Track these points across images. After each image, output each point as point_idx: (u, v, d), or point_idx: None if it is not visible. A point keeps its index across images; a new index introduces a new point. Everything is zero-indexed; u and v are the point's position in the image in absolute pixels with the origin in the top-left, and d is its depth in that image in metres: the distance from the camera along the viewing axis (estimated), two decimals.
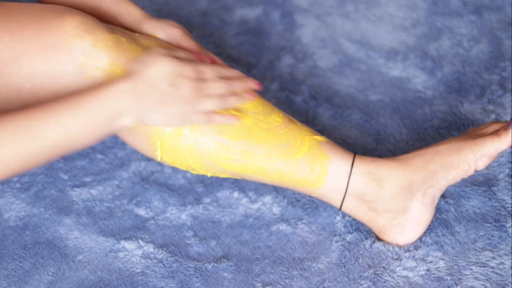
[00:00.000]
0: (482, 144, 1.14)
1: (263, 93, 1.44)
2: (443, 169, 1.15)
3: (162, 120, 1.07)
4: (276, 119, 1.15)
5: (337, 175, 1.16)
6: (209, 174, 1.17)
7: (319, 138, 1.18)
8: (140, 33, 1.16)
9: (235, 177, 1.18)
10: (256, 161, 1.14)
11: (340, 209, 1.19)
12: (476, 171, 1.16)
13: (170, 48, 1.10)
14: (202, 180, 1.31)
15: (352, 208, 1.19)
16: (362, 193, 1.17)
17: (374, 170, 1.16)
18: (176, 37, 1.16)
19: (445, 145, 1.17)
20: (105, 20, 1.17)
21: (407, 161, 1.17)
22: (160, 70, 1.04)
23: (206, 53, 1.17)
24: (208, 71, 1.08)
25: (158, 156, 1.13)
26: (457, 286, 1.16)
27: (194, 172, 1.16)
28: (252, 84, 1.12)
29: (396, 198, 1.17)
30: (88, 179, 1.31)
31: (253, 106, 1.14)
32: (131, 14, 1.17)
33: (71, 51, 1.07)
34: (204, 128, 1.11)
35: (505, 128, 1.13)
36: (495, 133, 1.14)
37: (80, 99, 1.02)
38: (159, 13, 1.58)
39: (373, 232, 1.23)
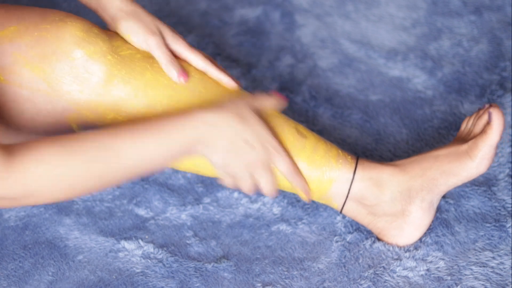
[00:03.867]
0: (477, 147, 1.14)
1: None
2: (442, 176, 1.15)
3: (219, 164, 1.06)
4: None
5: (340, 181, 1.16)
6: None
7: (323, 144, 1.17)
8: (115, 31, 1.12)
9: None
10: None
11: (340, 212, 1.20)
12: (479, 175, 1.16)
13: (252, 102, 1.08)
14: (202, 180, 1.31)
15: (352, 211, 1.19)
16: (363, 197, 1.17)
17: (375, 176, 1.16)
18: (149, 48, 1.10)
19: (442, 152, 1.16)
20: (89, 4, 1.12)
21: (406, 167, 1.17)
22: (237, 116, 1.04)
23: (192, 52, 1.13)
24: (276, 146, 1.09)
25: None
26: (457, 286, 1.16)
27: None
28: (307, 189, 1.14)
29: (395, 202, 1.17)
30: None
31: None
32: (111, 3, 1.10)
33: (69, 59, 1.06)
34: None
35: (488, 123, 1.13)
36: (482, 131, 1.14)
37: (163, 124, 1.01)
38: (159, 13, 1.58)
39: (373, 233, 1.23)
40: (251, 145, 1.05)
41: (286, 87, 1.45)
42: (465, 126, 1.19)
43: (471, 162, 1.14)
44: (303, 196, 1.13)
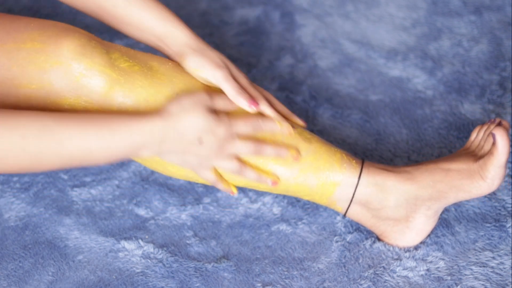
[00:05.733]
0: (486, 168, 1.13)
1: None
2: (452, 190, 1.15)
3: (178, 163, 1.08)
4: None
5: (344, 185, 1.16)
6: None
7: (327, 148, 1.17)
8: (180, 64, 1.13)
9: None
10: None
11: (344, 215, 1.20)
12: (490, 192, 1.16)
13: (211, 92, 1.07)
14: None
15: (356, 214, 1.19)
16: (367, 202, 1.17)
17: (381, 182, 1.16)
18: (217, 81, 1.11)
19: (454, 166, 1.15)
20: (152, 42, 1.14)
21: (415, 175, 1.16)
22: (195, 121, 1.04)
23: (252, 88, 1.14)
24: (243, 127, 1.09)
25: None
26: (457, 286, 1.16)
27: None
28: (287, 152, 1.12)
29: (400, 208, 1.17)
30: (88, 179, 1.31)
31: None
32: (175, 38, 1.13)
33: (68, 74, 1.06)
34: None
35: (494, 144, 1.13)
36: (489, 153, 1.13)
37: (111, 122, 1.01)
38: None
39: (375, 233, 1.23)
40: (199, 140, 1.05)
41: (286, 87, 1.45)
42: (475, 136, 1.19)
43: (483, 182, 1.14)
44: (273, 178, 1.13)
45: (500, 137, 1.12)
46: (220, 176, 1.13)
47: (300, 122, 1.18)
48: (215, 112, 1.06)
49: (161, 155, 1.07)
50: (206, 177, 1.11)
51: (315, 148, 1.16)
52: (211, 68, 1.11)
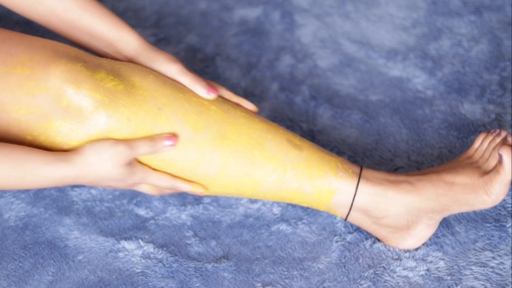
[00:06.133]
0: (492, 185, 1.13)
1: (263, 94, 1.44)
2: (456, 204, 1.15)
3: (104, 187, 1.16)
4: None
5: (341, 193, 1.16)
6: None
7: (321, 155, 1.17)
8: (137, 63, 1.16)
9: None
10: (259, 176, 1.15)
11: (345, 220, 1.20)
12: (494, 210, 1.17)
13: (134, 141, 1.10)
14: None
15: (357, 220, 1.19)
16: (367, 210, 1.17)
17: (381, 192, 1.16)
18: (172, 74, 1.15)
19: (458, 180, 1.15)
20: (100, 47, 1.18)
21: (417, 187, 1.16)
22: (107, 174, 1.09)
23: (204, 82, 1.16)
24: (155, 181, 1.14)
25: None
26: (457, 286, 1.16)
27: None
28: (188, 189, 1.16)
29: (401, 218, 1.17)
30: None
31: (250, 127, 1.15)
32: (129, 44, 1.17)
33: (56, 99, 1.08)
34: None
35: (500, 162, 1.13)
36: (495, 170, 1.13)
37: (25, 166, 1.07)
38: (159, 13, 1.58)
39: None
40: (110, 185, 1.13)
41: (286, 87, 1.45)
42: (479, 145, 1.18)
43: (487, 197, 1.14)
44: (198, 192, 1.15)
45: (507, 156, 1.12)
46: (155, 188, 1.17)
47: (252, 107, 1.19)
48: (132, 164, 1.11)
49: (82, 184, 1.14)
50: (142, 190, 1.17)
51: (306, 155, 1.15)
52: (166, 63, 1.15)
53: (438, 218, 1.17)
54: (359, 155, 1.34)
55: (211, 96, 1.14)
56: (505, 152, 1.12)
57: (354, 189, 1.16)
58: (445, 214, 1.17)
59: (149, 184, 1.14)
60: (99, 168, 1.09)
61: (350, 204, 1.16)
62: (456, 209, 1.16)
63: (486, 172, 1.14)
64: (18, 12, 1.17)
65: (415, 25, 1.55)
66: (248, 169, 1.13)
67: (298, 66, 1.49)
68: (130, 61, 1.17)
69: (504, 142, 1.15)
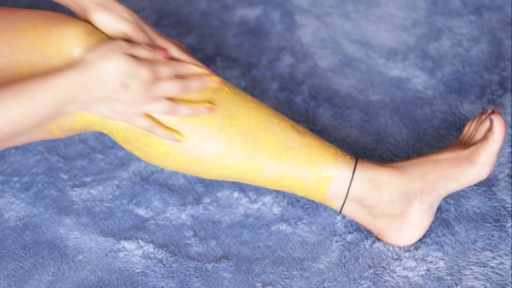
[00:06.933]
0: (478, 154, 1.13)
1: (263, 94, 1.44)
2: (442, 181, 1.15)
3: (106, 114, 1.06)
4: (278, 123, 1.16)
5: (339, 181, 1.16)
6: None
7: (321, 143, 1.18)
8: (88, 22, 1.11)
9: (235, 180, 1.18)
10: (259, 164, 1.15)
11: (340, 212, 1.20)
12: (480, 181, 1.16)
13: (132, 44, 1.06)
14: (202, 180, 1.31)
15: (352, 211, 1.19)
16: (362, 198, 1.17)
17: (374, 177, 1.16)
18: (126, 32, 1.10)
19: (443, 156, 1.16)
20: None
21: (406, 169, 1.17)
22: (114, 67, 1.01)
23: (162, 39, 1.12)
24: (165, 70, 1.06)
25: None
26: (457, 286, 1.16)
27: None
28: (210, 81, 1.10)
29: (395, 204, 1.17)
30: (88, 179, 1.31)
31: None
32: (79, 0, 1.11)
33: (72, 58, 1.06)
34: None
35: (490, 130, 1.13)
36: (483, 138, 1.13)
37: (30, 88, 1.00)
38: (159, 13, 1.58)
39: (372, 233, 1.23)
40: (124, 84, 1.03)
41: (286, 87, 1.45)
42: (468, 129, 1.19)
43: (472, 168, 1.14)
44: (207, 105, 1.10)
45: (498, 122, 1.11)
46: (156, 121, 1.09)
47: (205, 70, 1.13)
48: (135, 57, 1.04)
49: (88, 108, 1.05)
50: (140, 124, 1.08)
51: (308, 141, 1.16)
52: (118, 23, 1.09)
53: (429, 202, 1.17)
54: (359, 155, 1.34)
55: (161, 56, 1.08)
56: (497, 118, 1.11)
57: (351, 176, 1.16)
58: (434, 195, 1.16)
59: (161, 74, 1.06)
60: (102, 62, 1.01)
61: (346, 192, 1.16)
62: (443, 187, 1.15)
63: (472, 144, 1.14)
64: None
65: (415, 25, 1.55)
66: (252, 150, 1.14)
67: (298, 66, 1.49)
68: (84, 12, 1.10)
69: (493, 111, 1.14)
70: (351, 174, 1.16)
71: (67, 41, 1.06)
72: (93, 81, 1.01)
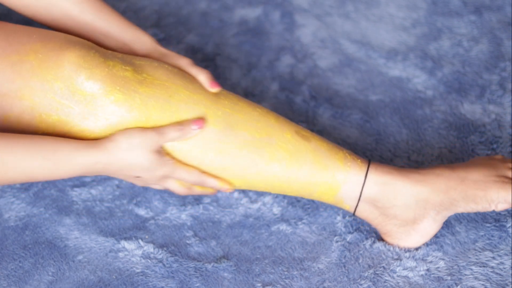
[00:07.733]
0: (508, 193, 1.14)
1: (263, 94, 1.44)
2: (464, 200, 1.15)
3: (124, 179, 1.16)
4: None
5: (349, 183, 1.16)
6: None
7: (328, 147, 1.18)
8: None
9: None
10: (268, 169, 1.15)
11: (353, 214, 1.20)
12: (493, 210, 1.17)
13: (163, 127, 1.11)
14: None
15: (364, 212, 1.19)
16: (376, 200, 1.17)
17: (390, 181, 1.16)
18: (182, 67, 1.17)
19: (471, 176, 1.16)
20: (114, 46, 1.19)
21: (428, 178, 1.16)
22: (137, 163, 1.10)
23: (209, 74, 1.18)
24: (183, 175, 1.14)
25: None
26: (457, 286, 1.16)
27: None
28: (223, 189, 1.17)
29: (409, 209, 1.17)
30: (88, 179, 1.31)
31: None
32: (144, 43, 1.19)
33: (69, 85, 1.08)
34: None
35: None
36: None
37: (56, 152, 1.07)
38: (159, 13, 1.58)
39: (375, 232, 1.23)
40: (139, 176, 1.13)
41: (286, 87, 1.45)
42: (503, 159, 1.20)
43: (496, 198, 1.15)
44: (224, 188, 1.16)
45: None
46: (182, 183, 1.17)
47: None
48: (161, 152, 1.11)
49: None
50: (158, 187, 1.18)
51: (314, 146, 1.16)
52: (177, 57, 1.18)
53: (444, 214, 1.17)
54: (359, 155, 1.34)
55: (214, 90, 1.15)
56: None
57: (363, 179, 1.16)
58: (452, 211, 1.16)
59: (178, 178, 1.14)
60: (129, 154, 1.09)
61: (359, 194, 1.16)
62: (462, 206, 1.16)
63: (506, 178, 1.14)
64: (29, 16, 1.17)
65: (415, 25, 1.55)
66: (257, 159, 1.14)
67: (298, 66, 1.49)
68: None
69: None
70: (363, 178, 1.16)
71: (62, 66, 1.08)
72: (115, 166, 1.10)
